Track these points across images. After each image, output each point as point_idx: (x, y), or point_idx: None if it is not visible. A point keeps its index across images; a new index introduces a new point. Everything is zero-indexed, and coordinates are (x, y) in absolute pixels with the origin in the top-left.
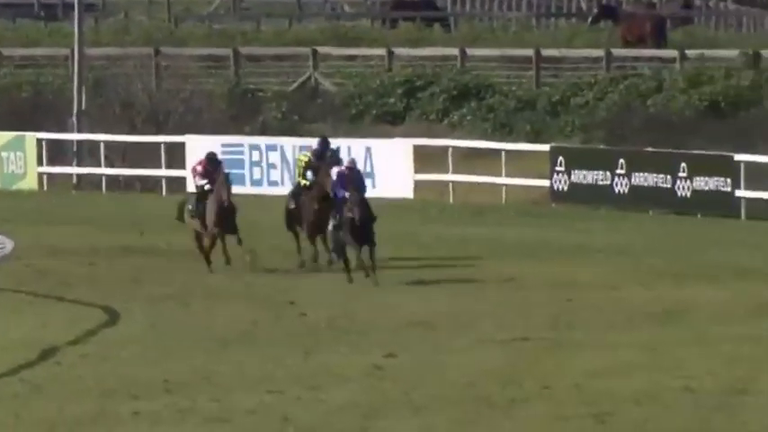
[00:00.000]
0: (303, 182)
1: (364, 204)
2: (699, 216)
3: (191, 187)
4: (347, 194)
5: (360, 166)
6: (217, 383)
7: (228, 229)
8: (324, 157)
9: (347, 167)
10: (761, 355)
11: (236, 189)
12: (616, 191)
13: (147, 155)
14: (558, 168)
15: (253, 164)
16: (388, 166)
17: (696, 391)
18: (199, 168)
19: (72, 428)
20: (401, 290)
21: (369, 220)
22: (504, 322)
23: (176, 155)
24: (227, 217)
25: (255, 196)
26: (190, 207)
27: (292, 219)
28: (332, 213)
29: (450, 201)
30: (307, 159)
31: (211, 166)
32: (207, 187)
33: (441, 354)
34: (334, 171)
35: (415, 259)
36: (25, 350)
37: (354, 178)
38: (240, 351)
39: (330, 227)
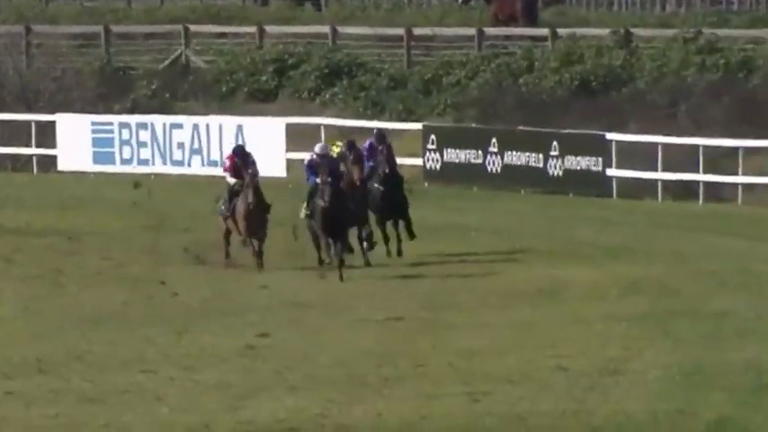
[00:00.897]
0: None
1: (337, 195)
2: (570, 195)
3: (63, 166)
4: (318, 180)
5: (230, 145)
6: (90, 363)
7: (256, 233)
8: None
9: (318, 155)
10: (634, 335)
11: (106, 168)
12: (488, 170)
13: (17, 133)
14: (430, 147)
15: (123, 142)
16: (261, 145)
17: (570, 370)
18: (227, 163)
19: None
20: (276, 271)
21: (341, 212)
22: (379, 303)
23: (47, 133)
24: (256, 221)
25: (126, 176)
26: (221, 203)
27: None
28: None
29: None
30: (339, 151)
31: (240, 159)
32: (233, 181)
33: (315, 334)
34: (306, 158)
35: (290, 240)
36: None
37: (329, 166)
38: (113, 331)
39: (302, 214)
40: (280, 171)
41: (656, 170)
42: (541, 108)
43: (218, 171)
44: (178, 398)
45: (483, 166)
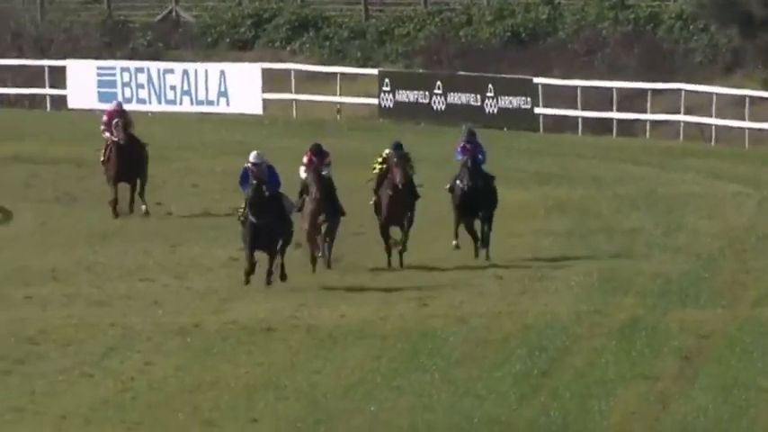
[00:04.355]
0: (376, 169)
1: (267, 205)
2: (504, 130)
3: (73, 104)
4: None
5: (214, 87)
6: (97, 272)
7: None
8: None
9: (252, 163)
10: (559, 247)
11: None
12: (434, 108)
13: (33, 76)
14: (384, 89)
15: (124, 84)
16: (241, 87)
17: (504, 277)
18: (304, 159)
19: None
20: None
21: (273, 224)
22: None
23: (58, 77)
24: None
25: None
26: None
27: (376, 211)
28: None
29: (294, 116)
30: (384, 157)
31: (317, 158)
32: (304, 176)
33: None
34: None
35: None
36: None
37: (265, 174)
38: (116, 245)
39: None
40: (257, 109)
41: (576, 109)
42: (479, 56)
43: (205, 108)
44: (172, 302)
45: (429, 105)
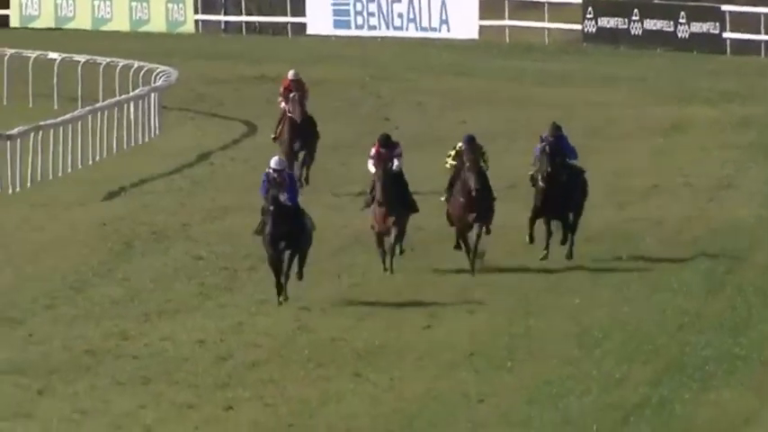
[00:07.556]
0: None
1: (283, 218)
2: (695, 53)
3: (311, 30)
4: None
5: (436, 15)
6: (333, 180)
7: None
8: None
9: (274, 169)
10: (744, 159)
11: (342, 32)
12: (632, 33)
13: (276, 6)
14: (588, 16)
15: (356, 13)
16: (460, 14)
17: (694, 185)
18: (372, 151)
19: (222, 215)
20: (462, 111)
21: (288, 234)
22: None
23: (298, 5)
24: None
25: (358, 38)
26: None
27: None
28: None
29: (507, 41)
30: (457, 150)
31: (385, 149)
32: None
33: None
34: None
35: (472, 88)
36: (187, 154)
37: (285, 184)
38: (347, 154)
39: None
40: (474, 34)
41: (760, 33)
42: None
43: (428, 34)
44: None
45: (628, 30)
